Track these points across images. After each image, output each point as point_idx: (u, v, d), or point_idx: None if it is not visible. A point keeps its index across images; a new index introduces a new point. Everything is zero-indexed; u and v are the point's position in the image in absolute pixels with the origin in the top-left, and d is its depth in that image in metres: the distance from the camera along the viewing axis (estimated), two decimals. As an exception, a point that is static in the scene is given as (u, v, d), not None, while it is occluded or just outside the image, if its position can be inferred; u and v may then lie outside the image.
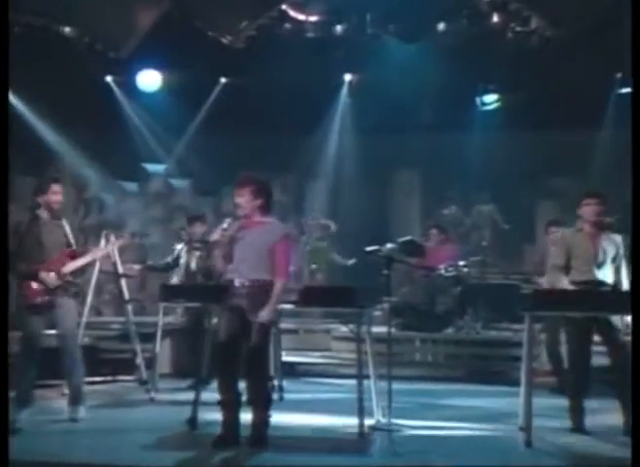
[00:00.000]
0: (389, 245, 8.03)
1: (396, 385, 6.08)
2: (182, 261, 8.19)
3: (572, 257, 5.87)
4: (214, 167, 11.41)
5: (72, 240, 6.11)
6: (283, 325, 7.79)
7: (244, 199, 5.35)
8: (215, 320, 5.44)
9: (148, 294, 10.98)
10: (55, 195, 6.07)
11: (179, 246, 8.31)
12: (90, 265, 6.22)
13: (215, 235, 5.42)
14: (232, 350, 5.28)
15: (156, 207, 12.90)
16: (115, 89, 12.04)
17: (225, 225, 5.38)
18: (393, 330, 7.16)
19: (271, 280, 5.29)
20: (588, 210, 5.89)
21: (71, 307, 6.10)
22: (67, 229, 6.15)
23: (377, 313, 7.75)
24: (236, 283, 5.30)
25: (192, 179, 12.89)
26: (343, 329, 8.30)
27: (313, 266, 10.48)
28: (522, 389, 5.60)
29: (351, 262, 10.31)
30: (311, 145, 12.24)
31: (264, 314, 5.22)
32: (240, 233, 5.34)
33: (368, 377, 6.00)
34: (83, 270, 6.27)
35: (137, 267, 8.45)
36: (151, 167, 12.93)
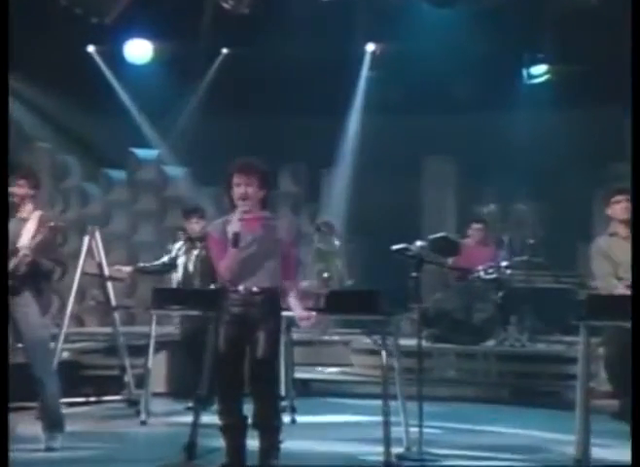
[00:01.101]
0: (419, 243, 7.98)
1: (427, 407, 6.06)
2: (180, 261, 8.17)
3: (613, 265, 5.85)
4: (214, 153, 11.40)
5: (27, 238, 5.85)
6: (296, 336, 7.81)
7: (251, 190, 5.29)
8: (215, 330, 5.43)
9: (139, 300, 11.01)
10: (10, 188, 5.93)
11: (177, 245, 8.30)
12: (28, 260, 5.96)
13: (235, 226, 5.19)
14: (236, 366, 5.26)
15: (147, 199, 12.94)
16: (98, 60, 12.06)
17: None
18: (424, 342, 7.14)
19: (278, 287, 5.31)
20: (619, 209, 5.90)
21: (27, 313, 5.89)
22: (31, 224, 5.92)
23: (406, 322, 7.73)
24: (242, 290, 5.28)
25: (188, 167, 12.91)
26: (366, 340, 8.28)
27: (325, 274, 10.49)
28: (577, 413, 5.54)
29: (350, 283, 10.35)
30: (327, 127, 12.23)
31: (306, 323, 5.47)
32: (244, 231, 5.27)
33: (394, 397, 5.98)
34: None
35: (127, 268, 8.47)
36: (141, 153, 12.96)
